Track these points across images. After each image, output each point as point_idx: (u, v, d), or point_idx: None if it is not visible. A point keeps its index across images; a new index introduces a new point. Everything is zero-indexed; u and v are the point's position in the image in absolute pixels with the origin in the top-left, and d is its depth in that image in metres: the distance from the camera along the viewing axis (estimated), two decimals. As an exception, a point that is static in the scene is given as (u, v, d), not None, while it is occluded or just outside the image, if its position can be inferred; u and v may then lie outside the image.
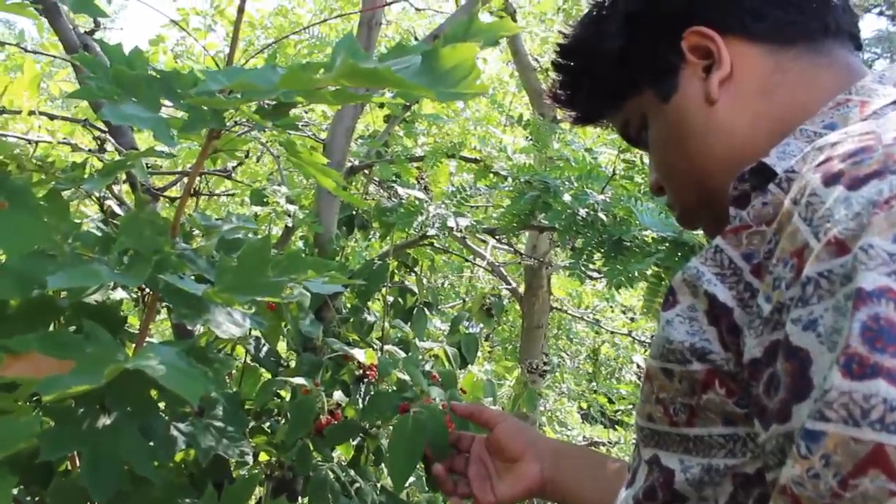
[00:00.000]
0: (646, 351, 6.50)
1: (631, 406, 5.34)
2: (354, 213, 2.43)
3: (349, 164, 2.13)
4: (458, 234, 2.15)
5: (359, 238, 2.66)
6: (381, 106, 2.36)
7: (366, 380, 1.39)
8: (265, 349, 1.99)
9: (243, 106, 0.80)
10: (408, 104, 2.35)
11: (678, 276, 0.59)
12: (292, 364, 2.01)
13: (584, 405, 5.84)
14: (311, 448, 1.23)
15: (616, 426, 5.35)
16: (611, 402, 5.42)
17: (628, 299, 5.78)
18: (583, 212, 1.54)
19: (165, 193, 1.54)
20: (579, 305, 5.63)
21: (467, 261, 3.46)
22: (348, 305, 2.10)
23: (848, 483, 0.38)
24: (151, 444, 0.95)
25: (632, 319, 6.12)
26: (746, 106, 0.68)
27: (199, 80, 0.86)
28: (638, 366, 6.33)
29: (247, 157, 1.93)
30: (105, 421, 0.85)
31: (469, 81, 0.59)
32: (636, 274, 1.30)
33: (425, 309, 2.49)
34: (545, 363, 3.67)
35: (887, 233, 0.42)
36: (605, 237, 1.52)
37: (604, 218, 1.55)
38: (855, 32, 0.71)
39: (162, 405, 1.03)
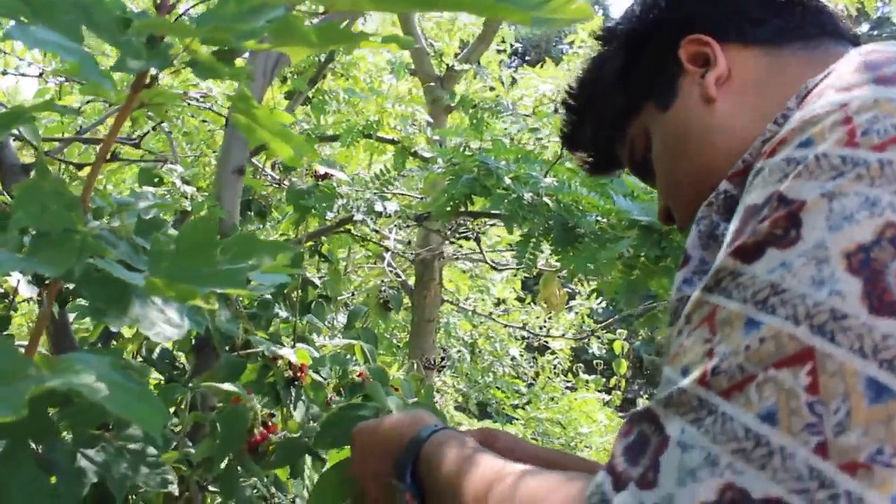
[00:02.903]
0: (521, 343, 6.55)
1: (528, 402, 5.32)
2: (252, 197, 2.22)
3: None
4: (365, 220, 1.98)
5: (252, 222, 2.44)
6: (284, 80, 2.15)
7: (296, 382, 1.20)
8: (158, 349, 1.76)
9: (196, 43, 0.62)
10: (313, 79, 2.16)
11: (693, 232, 0.59)
12: (187, 366, 1.78)
13: (460, 399, 5.79)
14: (239, 469, 1.04)
15: (513, 421, 5.30)
16: (507, 396, 5.38)
17: (502, 291, 5.82)
18: (528, 196, 1.41)
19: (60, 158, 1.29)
20: (458, 297, 5.57)
21: (388, 250, 3.29)
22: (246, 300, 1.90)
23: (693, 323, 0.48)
24: (53, 478, 0.74)
25: (505, 311, 6.17)
26: (746, 101, 0.68)
27: (124, 9, 0.66)
28: (513, 358, 6.36)
29: (160, 124, 1.68)
30: (-6, 455, 0.64)
31: (563, 1, 0.44)
32: (605, 261, 1.18)
33: (323, 302, 2.32)
34: (442, 357, 3.55)
35: (761, 194, 0.48)
36: (553, 223, 1.40)
37: (549, 203, 1.42)
38: (854, 37, 0.71)
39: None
